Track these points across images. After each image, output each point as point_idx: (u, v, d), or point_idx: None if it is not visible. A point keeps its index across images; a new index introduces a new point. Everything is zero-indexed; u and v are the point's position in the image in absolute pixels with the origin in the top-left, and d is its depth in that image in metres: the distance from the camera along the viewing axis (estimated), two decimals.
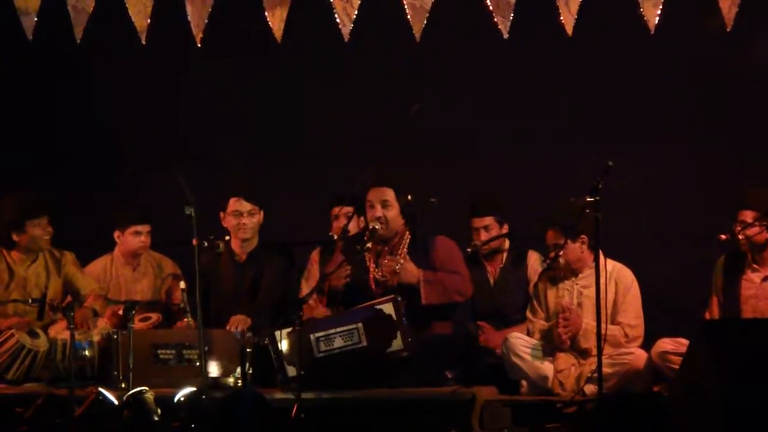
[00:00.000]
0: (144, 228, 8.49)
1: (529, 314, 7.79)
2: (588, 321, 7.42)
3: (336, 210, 8.30)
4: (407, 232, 7.72)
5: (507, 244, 8.38)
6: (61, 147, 9.47)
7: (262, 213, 8.15)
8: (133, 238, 8.50)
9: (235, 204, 8.08)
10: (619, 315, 7.55)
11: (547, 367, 7.53)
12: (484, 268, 8.33)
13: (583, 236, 7.49)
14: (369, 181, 7.68)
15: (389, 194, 7.64)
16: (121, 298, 8.41)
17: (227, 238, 8.09)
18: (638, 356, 7.41)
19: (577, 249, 7.56)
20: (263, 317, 7.89)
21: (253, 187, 8.25)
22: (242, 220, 8.07)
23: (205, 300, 7.94)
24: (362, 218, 7.93)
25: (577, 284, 7.65)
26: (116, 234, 8.55)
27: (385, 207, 7.64)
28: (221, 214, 8.15)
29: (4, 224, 8.12)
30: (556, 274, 7.70)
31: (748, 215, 7.44)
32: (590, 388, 7.31)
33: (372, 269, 7.72)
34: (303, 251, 8.48)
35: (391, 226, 7.66)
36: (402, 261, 7.57)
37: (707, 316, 7.60)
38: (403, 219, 7.68)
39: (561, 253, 7.51)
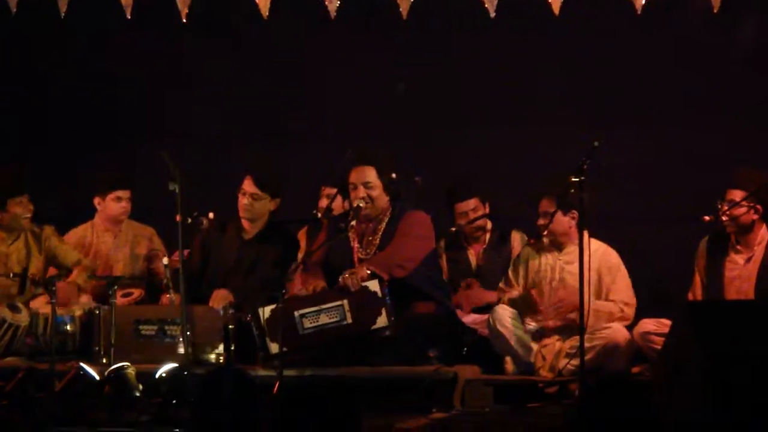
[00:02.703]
0: (125, 194, 8.46)
1: (501, 285, 7.77)
2: (573, 299, 7.42)
3: (323, 190, 8.28)
4: (389, 209, 7.70)
5: (489, 225, 8.37)
6: (44, 122, 9.43)
7: (274, 201, 8.07)
8: (115, 204, 8.46)
9: (245, 182, 8.03)
10: (612, 293, 7.54)
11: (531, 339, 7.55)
12: (465, 250, 8.32)
13: (573, 211, 7.47)
14: (351, 161, 7.66)
15: (371, 174, 7.62)
16: (101, 266, 8.38)
17: (211, 215, 8.04)
18: (616, 330, 7.39)
19: (565, 222, 7.54)
20: (248, 294, 7.84)
21: (272, 174, 8.14)
22: (243, 200, 8.03)
23: (199, 275, 7.94)
24: (347, 199, 7.91)
25: (560, 259, 7.65)
26: (96, 200, 8.51)
27: (368, 188, 7.61)
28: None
29: None
30: (540, 245, 7.69)
31: (737, 194, 7.40)
32: (569, 367, 7.30)
33: (356, 248, 7.71)
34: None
35: (377, 204, 7.64)
36: (360, 271, 7.49)
37: (690, 296, 7.60)
38: (388, 196, 7.66)
39: (546, 223, 7.50)
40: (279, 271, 7.78)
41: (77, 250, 8.40)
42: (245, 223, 8.11)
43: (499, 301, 7.72)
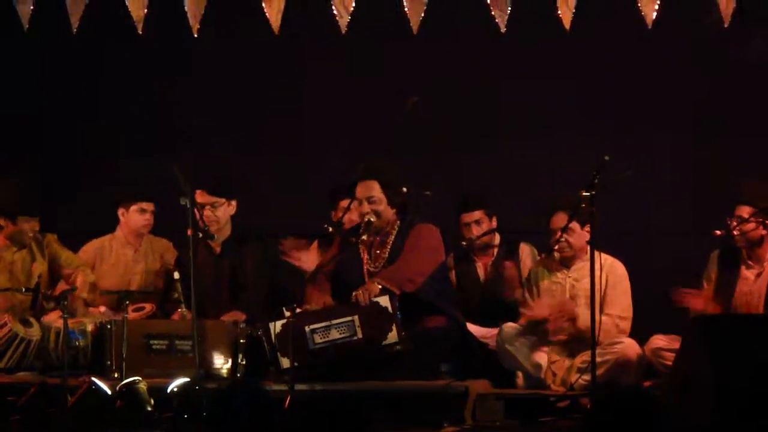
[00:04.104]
0: (148, 206, 8.46)
1: (521, 309, 7.78)
2: (581, 314, 7.41)
3: (340, 203, 8.30)
4: (397, 222, 7.72)
5: (497, 238, 8.38)
6: (56, 136, 9.45)
7: (232, 203, 8.09)
8: (138, 215, 8.47)
9: (198, 197, 7.96)
10: (608, 306, 7.53)
11: (540, 357, 7.55)
12: (474, 263, 8.33)
13: (588, 226, 7.46)
14: (359, 176, 7.67)
15: (374, 188, 7.63)
16: (118, 278, 8.39)
17: (189, 231, 7.94)
18: (628, 345, 7.40)
19: (583, 236, 7.51)
20: (255, 308, 7.85)
21: (220, 178, 8.16)
22: (206, 212, 8.01)
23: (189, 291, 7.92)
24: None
25: (569, 277, 7.66)
26: (120, 211, 8.51)
27: (372, 202, 7.63)
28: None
29: None
30: (550, 261, 7.69)
31: (745, 210, 7.43)
32: (580, 382, 7.31)
33: (365, 260, 7.72)
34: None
35: (383, 218, 7.66)
36: (371, 287, 7.49)
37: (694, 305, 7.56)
38: (393, 209, 7.67)
39: (564, 237, 7.48)
40: (270, 277, 7.76)
41: (93, 260, 8.42)
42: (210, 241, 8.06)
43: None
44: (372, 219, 7.62)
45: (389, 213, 7.66)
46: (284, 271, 8.11)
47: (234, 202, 8.12)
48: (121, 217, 8.52)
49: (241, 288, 8.05)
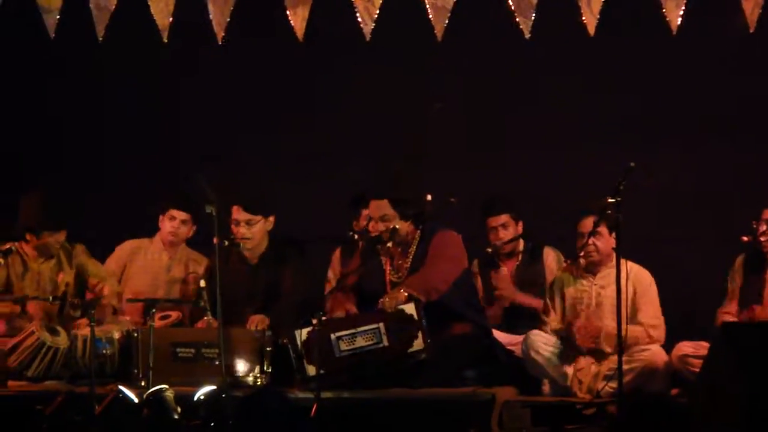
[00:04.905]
0: (179, 214, 8.47)
1: (543, 316, 7.77)
2: (608, 323, 7.40)
3: (363, 211, 8.30)
4: (416, 231, 7.71)
5: (522, 243, 8.37)
6: (82, 145, 9.48)
7: (269, 219, 8.05)
8: (168, 222, 8.49)
9: (235, 213, 8.00)
10: (639, 315, 7.52)
11: (566, 364, 7.53)
12: (499, 269, 8.32)
13: (615, 232, 7.43)
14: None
15: (385, 207, 7.64)
16: (147, 281, 8.43)
17: (215, 240, 7.95)
18: (655, 353, 7.39)
19: (611, 241, 7.46)
20: (287, 318, 7.84)
21: (258, 194, 8.15)
22: (240, 229, 7.99)
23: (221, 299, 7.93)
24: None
25: (595, 284, 7.64)
26: (160, 218, 8.55)
27: (385, 220, 7.64)
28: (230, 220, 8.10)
29: (23, 220, 8.16)
30: (575, 268, 7.67)
31: None
32: (607, 389, 7.29)
33: (388, 270, 7.72)
34: (325, 251, 8.51)
35: (400, 232, 7.65)
36: (397, 295, 7.49)
37: (722, 314, 7.53)
38: (408, 220, 7.66)
39: (592, 241, 7.46)
40: (306, 287, 7.80)
41: (126, 259, 8.48)
42: (244, 250, 8.05)
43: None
44: (397, 226, 7.63)
45: (405, 226, 7.66)
46: (314, 281, 8.14)
47: (271, 218, 8.07)
48: (160, 224, 8.56)
49: (275, 299, 8.03)
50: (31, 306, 8.07)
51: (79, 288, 8.26)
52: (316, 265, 8.43)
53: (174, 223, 8.48)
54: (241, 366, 7.61)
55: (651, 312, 7.53)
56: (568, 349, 7.52)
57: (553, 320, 7.67)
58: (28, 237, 8.18)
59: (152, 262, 8.56)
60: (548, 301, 7.77)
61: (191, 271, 8.52)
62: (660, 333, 7.52)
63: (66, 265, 8.27)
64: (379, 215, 7.65)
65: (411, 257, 7.68)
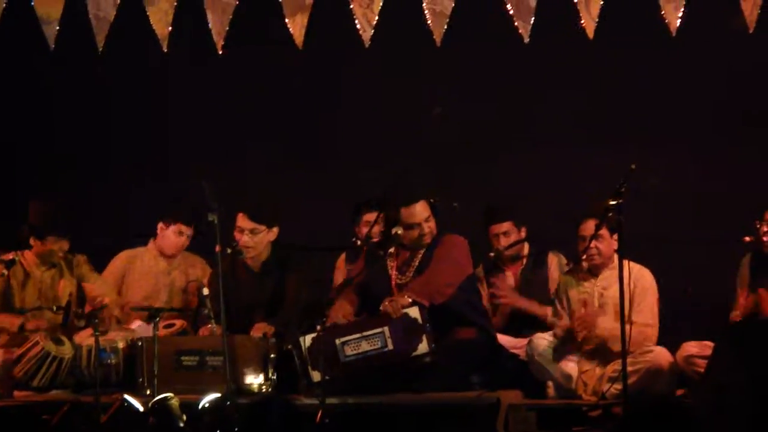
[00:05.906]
0: (187, 230, 8.52)
1: (550, 321, 7.77)
2: (614, 325, 7.40)
3: (363, 216, 8.30)
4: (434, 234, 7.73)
5: (526, 247, 8.38)
6: (83, 155, 9.50)
7: (272, 230, 8.00)
8: (175, 237, 8.52)
9: (239, 220, 7.98)
10: (635, 314, 7.51)
11: (571, 367, 7.53)
12: (504, 273, 8.33)
13: (616, 234, 7.44)
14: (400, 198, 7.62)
15: (425, 209, 7.64)
16: (147, 288, 8.44)
17: (217, 248, 7.94)
18: (659, 354, 7.38)
19: (613, 243, 7.49)
20: (291, 325, 7.84)
21: (264, 204, 8.10)
22: (243, 237, 7.96)
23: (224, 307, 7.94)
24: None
25: (597, 285, 7.64)
26: (160, 226, 8.56)
27: (428, 221, 7.64)
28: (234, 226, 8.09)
29: (28, 226, 8.16)
30: (577, 271, 7.68)
31: None
32: (612, 391, 7.29)
33: (393, 275, 7.73)
34: (330, 257, 8.51)
35: (434, 233, 7.67)
36: (400, 299, 7.49)
37: (733, 316, 7.54)
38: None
39: (594, 244, 7.47)
40: (311, 295, 7.81)
41: (123, 270, 8.49)
42: (248, 258, 8.03)
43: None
44: (399, 232, 7.63)
45: (431, 227, 7.68)
46: (318, 288, 8.14)
47: (275, 229, 8.03)
48: (159, 231, 8.57)
49: (278, 307, 8.03)
50: (32, 324, 8.07)
51: (82, 297, 8.27)
52: (319, 271, 8.42)
53: (182, 238, 8.52)
54: (245, 373, 7.61)
55: (646, 312, 7.53)
56: (569, 346, 7.52)
57: (565, 324, 7.66)
58: (31, 242, 8.18)
59: (151, 268, 8.58)
60: (557, 304, 7.77)
61: (192, 279, 8.53)
62: (654, 333, 7.52)
63: (67, 274, 8.28)
64: (423, 218, 7.61)
65: (418, 260, 7.68)
